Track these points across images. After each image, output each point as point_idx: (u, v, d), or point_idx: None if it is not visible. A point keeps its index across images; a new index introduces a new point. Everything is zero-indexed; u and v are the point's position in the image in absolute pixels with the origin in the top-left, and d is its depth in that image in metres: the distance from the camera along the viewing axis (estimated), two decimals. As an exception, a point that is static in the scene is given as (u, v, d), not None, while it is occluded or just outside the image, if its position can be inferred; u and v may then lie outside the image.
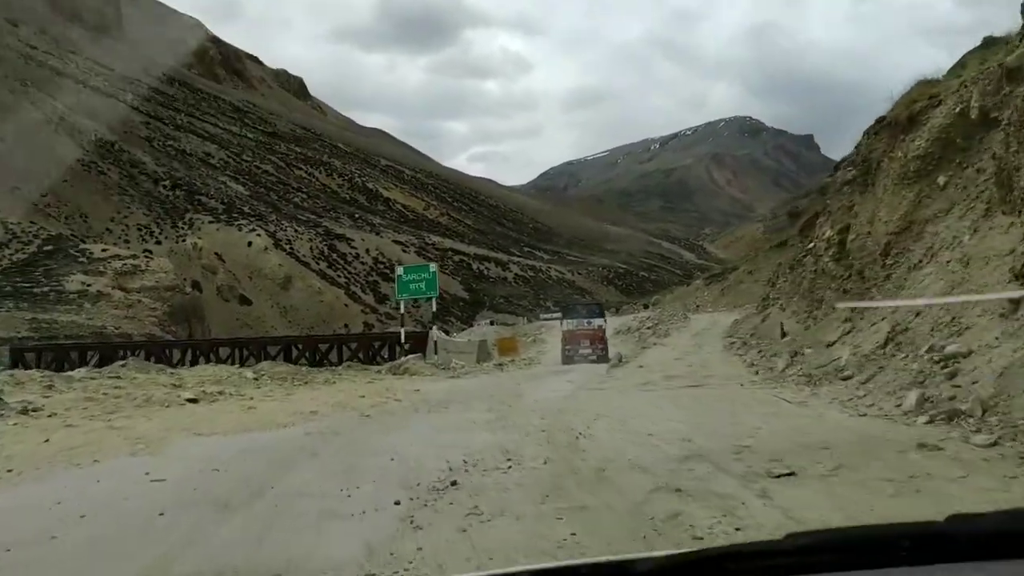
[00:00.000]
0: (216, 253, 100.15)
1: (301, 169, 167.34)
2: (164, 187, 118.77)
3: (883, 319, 15.03)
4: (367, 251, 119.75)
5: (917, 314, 13.28)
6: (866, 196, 20.86)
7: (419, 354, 28.25)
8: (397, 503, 6.02)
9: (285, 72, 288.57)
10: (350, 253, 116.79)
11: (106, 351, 37.58)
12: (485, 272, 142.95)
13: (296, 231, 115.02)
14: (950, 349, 10.26)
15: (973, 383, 9.00)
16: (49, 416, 11.26)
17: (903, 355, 11.85)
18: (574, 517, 5.35)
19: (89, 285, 64.11)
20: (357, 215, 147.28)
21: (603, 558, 1.61)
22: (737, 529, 4.90)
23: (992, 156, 14.15)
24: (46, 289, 63.51)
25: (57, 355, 39.18)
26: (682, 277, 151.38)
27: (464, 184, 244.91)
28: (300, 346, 35.56)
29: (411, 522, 5.49)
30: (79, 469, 7.65)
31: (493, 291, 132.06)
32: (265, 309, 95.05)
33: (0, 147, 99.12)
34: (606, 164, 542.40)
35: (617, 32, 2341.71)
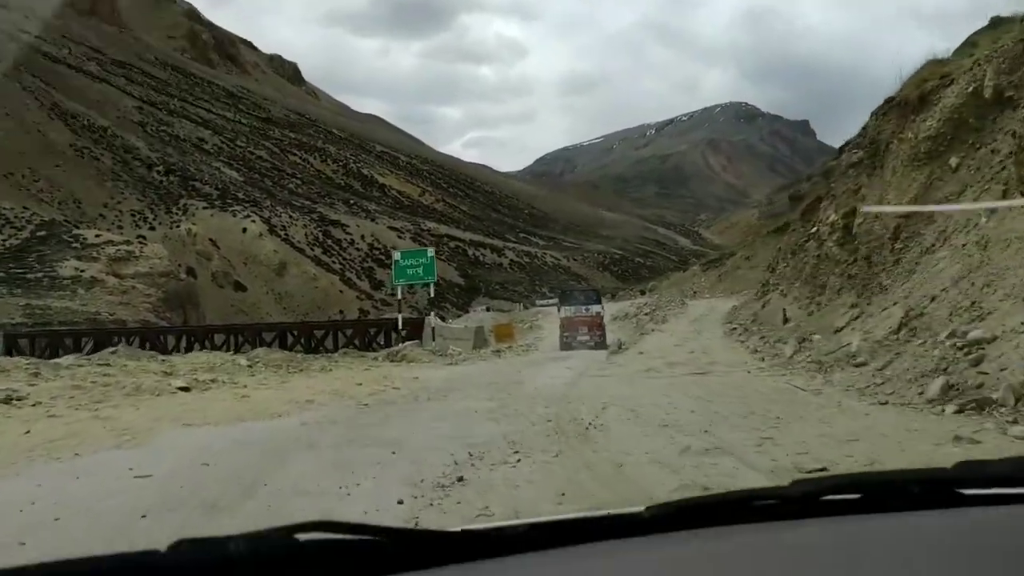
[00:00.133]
0: (210, 239, 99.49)
1: (296, 155, 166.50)
2: (158, 172, 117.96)
3: (895, 304, 14.60)
4: (362, 237, 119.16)
5: (932, 299, 12.86)
6: (874, 179, 20.44)
7: (416, 341, 27.87)
8: (400, 502, 5.55)
9: (279, 57, 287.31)
10: (345, 239, 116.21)
11: (100, 337, 37.19)
12: (481, 258, 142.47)
13: (291, 217, 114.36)
14: (974, 335, 9.84)
15: (1001, 370, 8.60)
16: (33, 405, 10.75)
17: (920, 341, 11.43)
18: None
19: (83, 271, 63.54)
20: (352, 201, 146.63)
21: (612, 510, 1.54)
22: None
23: (1012, 135, 13.71)
24: (39, 275, 62.97)
25: (51, 341, 38.85)
26: (678, 263, 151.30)
27: (459, 170, 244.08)
28: (296, 332, 35.29)
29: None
30: (59, 464, 7.13)
31: (489, 277, 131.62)
32: (260, 295, 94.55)
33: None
34: (602, 150, 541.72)
35: (612, 16, 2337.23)
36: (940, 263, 14.32)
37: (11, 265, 65.16)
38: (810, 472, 5.77)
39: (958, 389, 8.72)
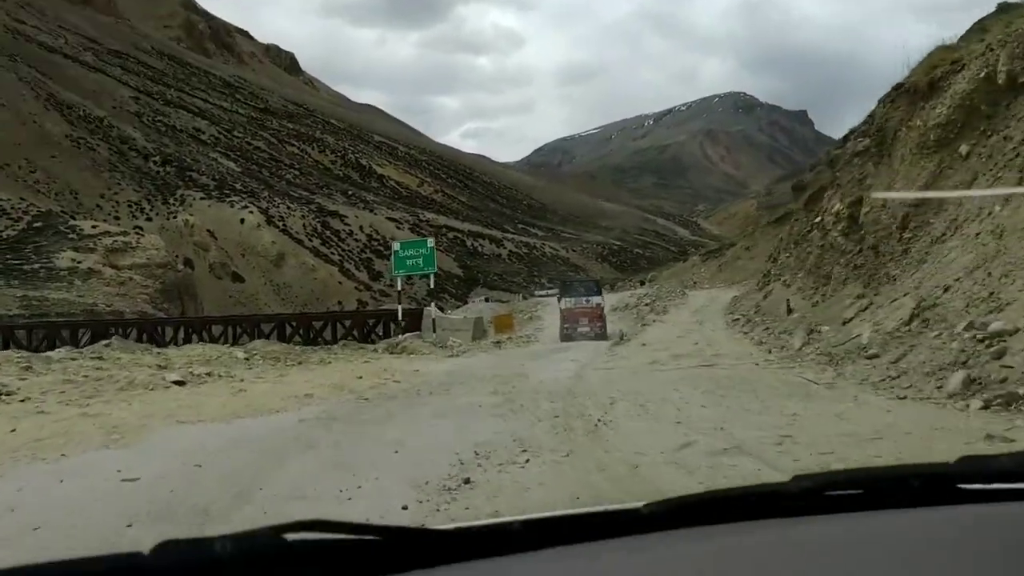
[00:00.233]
0: (208, 230, 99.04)
1: (293, 145, 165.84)
2: (154, 163, 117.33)
3: (905, 295, 14.28)
4: (361, 228, 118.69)
5: (945, 289, 12.53)
6: (881, 167, 20.12)
7: (416, 332, 27.56)
8: (405, 508, 5.22)
9: (276, 47, 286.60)
10: (343, 230, 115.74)
11: (98, 329, 36.92)
12: (479, 249, 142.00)
13: (289, 208, 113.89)
14: (994, 326, 9.52)
15: (1027, 363, 8.28)
16: (22, 401, 10.39)
17: (935, 333, 11.09)
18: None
19: (80, 262, 63.12)
20: (350, 192, 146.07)
21: (610, 506, 1.51)
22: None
23: (1028, 121, 13.38)
24: (36, 266, 62.58)
25: (48, 333, 38.56)
26: (676, 254, 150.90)
27: (458, 161, 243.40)
28: (294, 324, 34.98)
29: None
30: (44, 465, 6.78)
31: (487, 268, 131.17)
32: (258, 286, 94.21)
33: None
34: (600, 140, 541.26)
35: (609, 6, 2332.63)
36: (952, 252, 14.00)
37: (8, 256, 64.76)
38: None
39: (981, 383, 8.41)
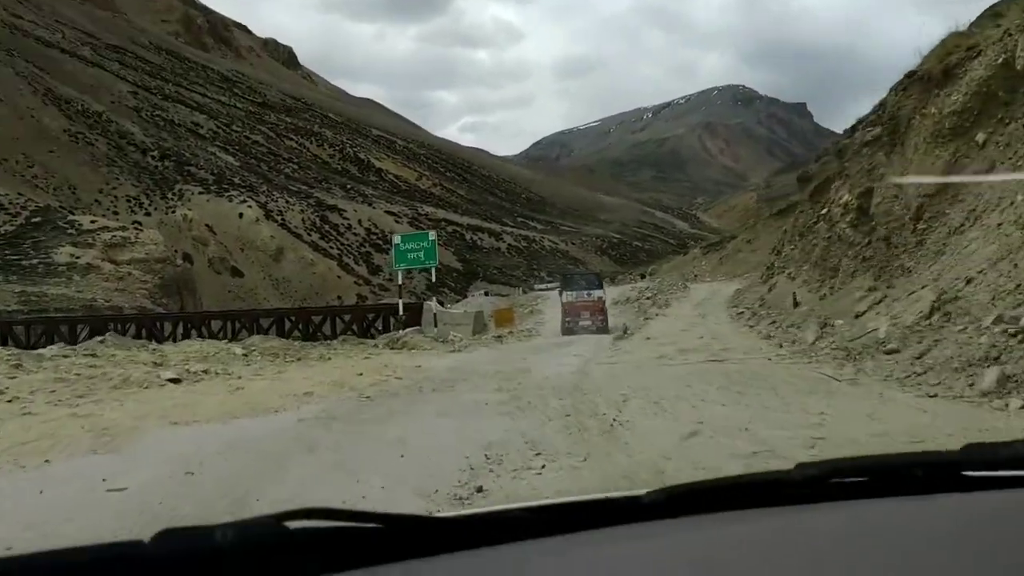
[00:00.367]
0: (207, 225, 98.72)
1: (292, 139, 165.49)
2: (153, 158, 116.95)
3: (923, 287, 13.85)
4: (359, 222, 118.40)
5: (968, 281, 12.10)
6: (893, 157, 19.67)
7: (416, 327, 27.19)
8: (414, 520, 4.81)
9: (274, 41, 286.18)
10: (342, 224, 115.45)
11: (96, 324, 36.76)
12: (478, 243, 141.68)
13: (287, 202, 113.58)
14: (1027, 320, 9.09)
15: (1066, 360, 7.85)
16: (9, 401, 9.93)
17: (960, 327, 10.65)
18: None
19: (78, 257, 62.84)
20: (349, 186, 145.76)
21: (612, 493, 1.51)
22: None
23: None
24: (35, 261, 62.29)
25: (47, 328, 38.44)
26: (676, 247, 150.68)
27: (456, 154, 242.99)
28: (293, 318, 34.72)
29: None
30: (23, 473, 6.32)
31: (487, 262, 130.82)
32: (257, 281, 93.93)
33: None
34: (598, 134, 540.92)
35: (607, 0, 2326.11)
36: (972, 244, 13.57)
37: (6, 252, 64.46)
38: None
39: (1016, 380, 7.99)
